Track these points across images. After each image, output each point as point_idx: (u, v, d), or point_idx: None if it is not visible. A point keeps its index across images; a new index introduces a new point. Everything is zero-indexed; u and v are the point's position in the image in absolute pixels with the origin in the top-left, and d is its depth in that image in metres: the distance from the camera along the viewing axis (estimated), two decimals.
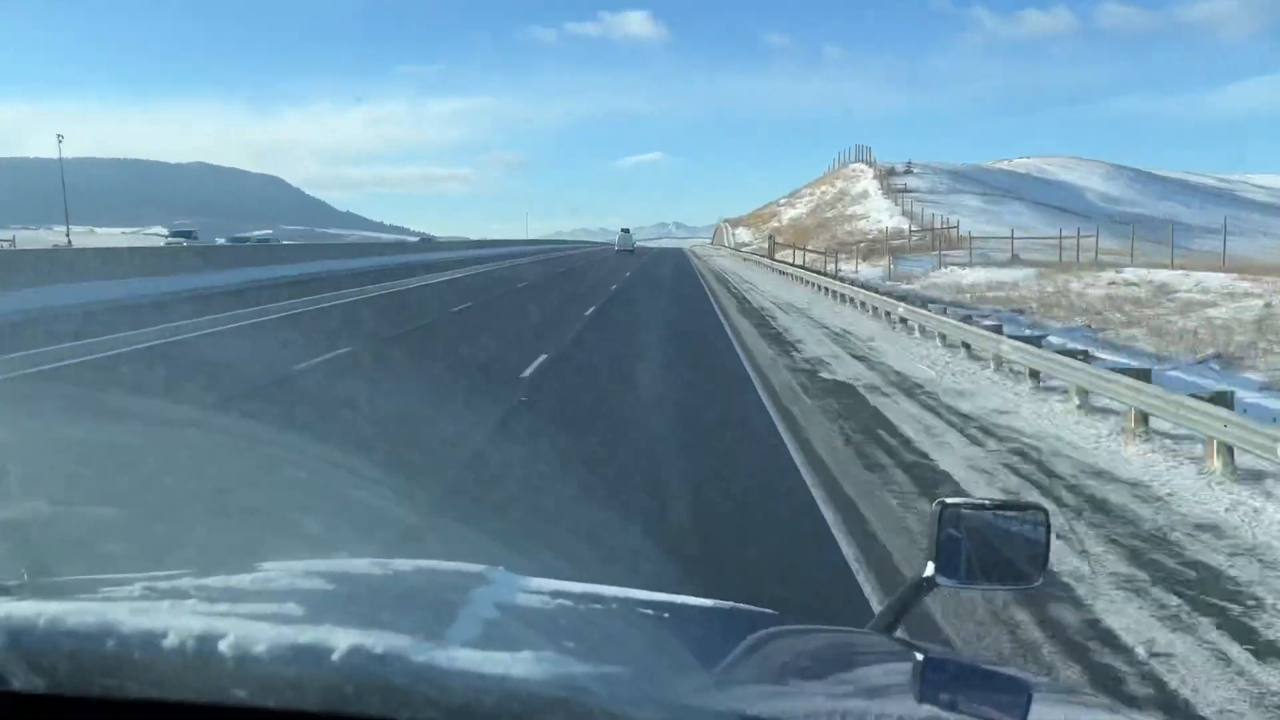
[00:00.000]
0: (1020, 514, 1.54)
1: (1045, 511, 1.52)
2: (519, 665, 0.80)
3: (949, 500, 1.49)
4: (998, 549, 1.48)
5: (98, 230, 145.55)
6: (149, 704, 0.79)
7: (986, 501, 1.66)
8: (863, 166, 73.21)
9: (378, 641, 0.80)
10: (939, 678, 1.20)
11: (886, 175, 66.16)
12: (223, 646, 0.79)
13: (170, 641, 0.80)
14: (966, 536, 1.47)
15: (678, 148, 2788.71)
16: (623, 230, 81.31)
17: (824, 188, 75.32)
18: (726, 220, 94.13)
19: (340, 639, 0.80)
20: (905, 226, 44.77)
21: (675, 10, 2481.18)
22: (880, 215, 52.74)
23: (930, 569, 1.46)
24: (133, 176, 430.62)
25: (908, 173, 67.01)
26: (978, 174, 71.47)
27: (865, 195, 62.23)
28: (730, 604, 1.35)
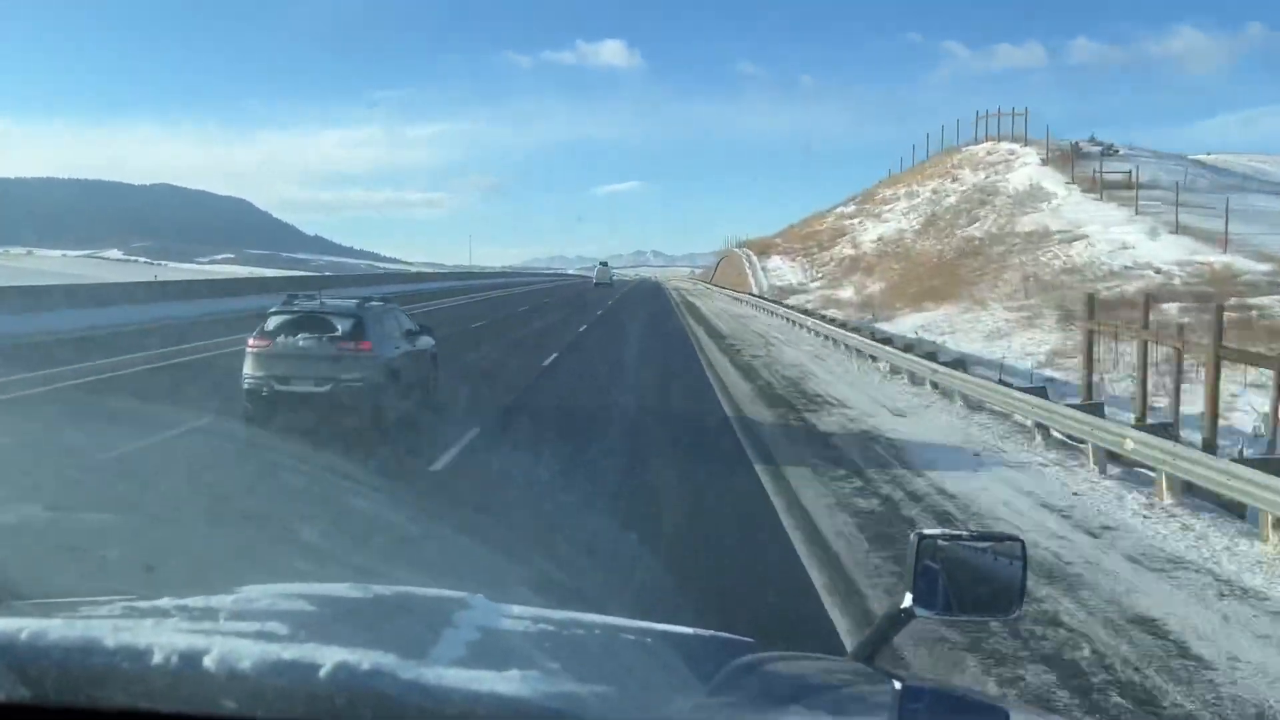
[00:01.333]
0: (996, 545, 1.56)
1: (1021, 543, 1.56)
2: (506, 683, 0.81)
3: (926, 532, 1.52)
4: (975, 580, 1.49)
5: (38, 252, 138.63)
6: (136, 714, 0.80)
7: (963, 533, 1.65)
8: (1015, 147, 42.83)
9: (364, 658, 0.81)
10: (916, 706, 1.22)
11: (1070, 158, 37.62)
12: (208, 661, 0.80)
13: (156, 656, 0.81)
14: (943, 568, 1.48)
15: (654, 176, 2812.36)
16: (600, 264, 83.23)
17: (935, 182, 45.26)
18: (744, 245, 62.67)
19: (326, 655, 0.81)
20: (1193, 258, 22.75)
21: (649, 40, 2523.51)
22: (1109, 232, 27.04)
23: (908, 600, 1.49)
24: (93, 197, 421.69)
25: (1108, 154, 39.32)
26: (1214, 168, 41.35)
27: (1044, 195, 34.21)
28: (709, 632, 1.42)
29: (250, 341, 9.04)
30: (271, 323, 9.13)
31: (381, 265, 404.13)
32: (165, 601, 1.13)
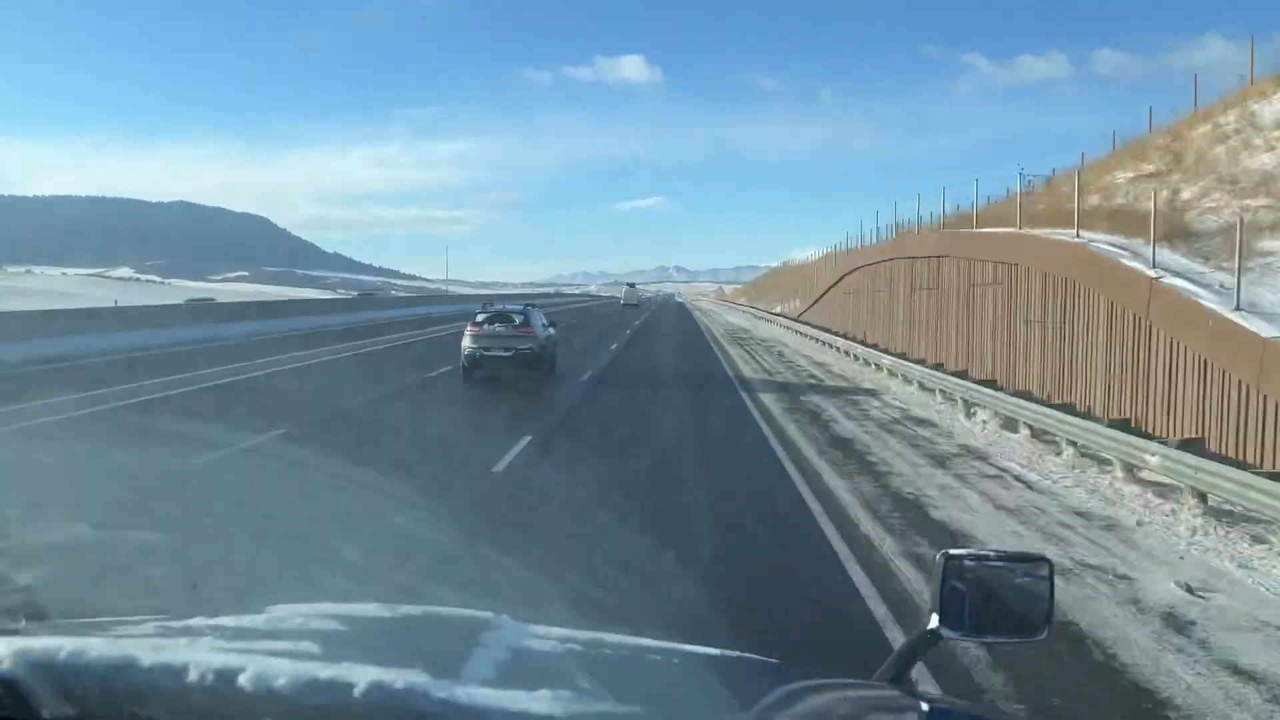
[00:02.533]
0: (1023, 565, 1.55)
1: (1049, 563, 1.54)
2: (539, 703, 0.83)
3: (953, 552, 1.50)
4: (1001, 600, 1.49)
5: (39, 270, 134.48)
6: None
7: (990, 553, 1.59)
8: None
9: (397, 677, 0.83)
10: None
11: None
12: (244, 680, 0.83)
13: (193, 675, 0.84)
14: (970, 588, 1.48)
15: (677, 191, 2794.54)
16: (628, 286, 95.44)
17: None
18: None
19: (360, 675, 0.83)
20: None
21: (669, 55, 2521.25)
22: None
23: (934, 621, 1.48)
24: (109, 214, 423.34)
25: None
26: None
27: None
28: (736, 654, 1.42)
29: (468, 327, 16.41)
30: (479, 317, 16.59)
31: (398, 282, 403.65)
32: (199, 621, 1.16)
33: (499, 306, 16.86)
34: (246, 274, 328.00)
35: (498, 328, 15.92)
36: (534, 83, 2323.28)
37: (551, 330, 17.34)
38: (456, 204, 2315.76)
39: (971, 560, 1.50)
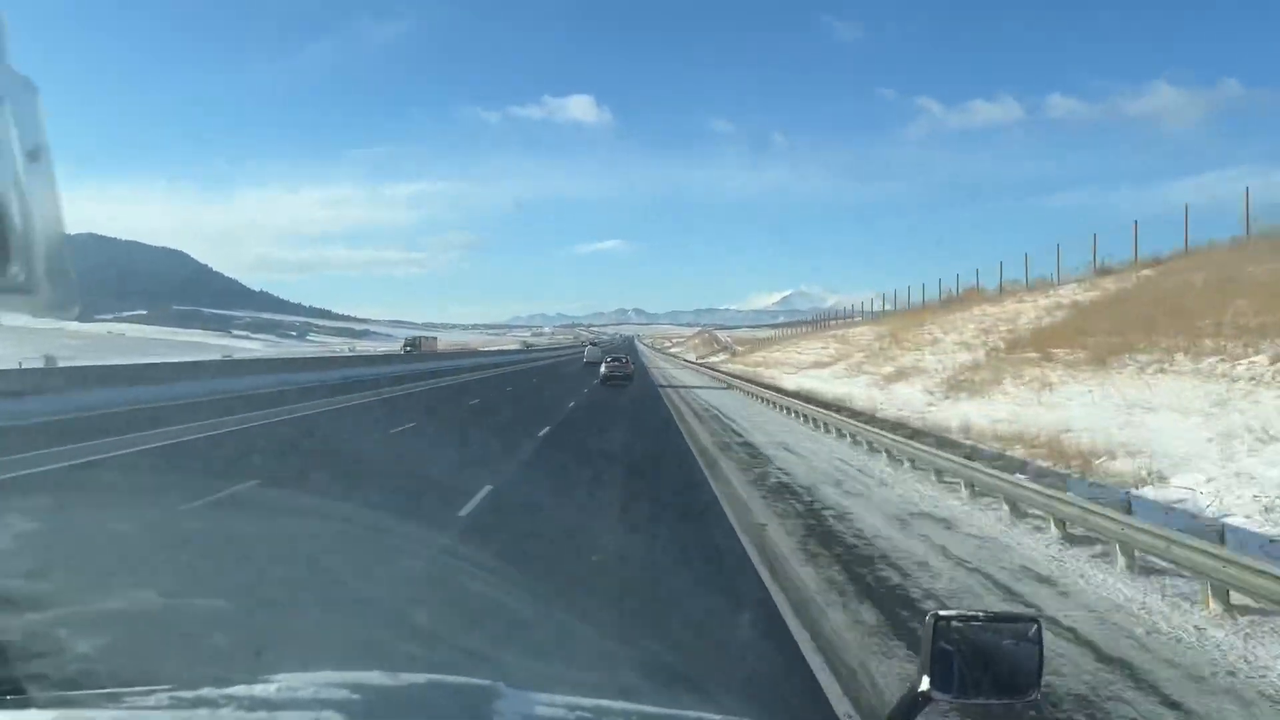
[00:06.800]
0: (1012, 625, 1.64)
1: (1038, 623, 1.63)
2: None
3: (942, 614, 1.59)
4: (991, 661, 1.57)
5: None
6: None
7: (979, 614, 1.68)
8: None
9: None
10: None
11: None
12: None
13: None
14: (959, 649, 1.56)
15: (635, 234, 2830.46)
16: (591, 344, 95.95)
17: None
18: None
19: None
20: None
21: (616, 95, 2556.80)
22: None
23: (925, 683, 1.55)
24: None
25: None
26: None
27: None
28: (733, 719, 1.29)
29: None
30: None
31: (320, 322, 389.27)
32: (210, 691, 1.21)
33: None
34: (145, 313, 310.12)
35: (609, 357, 42.97)
36: (482, 123, 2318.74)
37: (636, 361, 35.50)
38: (412, 245, 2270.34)
39: (960, 621, 1.59)
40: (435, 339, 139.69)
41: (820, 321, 72.15)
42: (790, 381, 39.41)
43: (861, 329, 46.37)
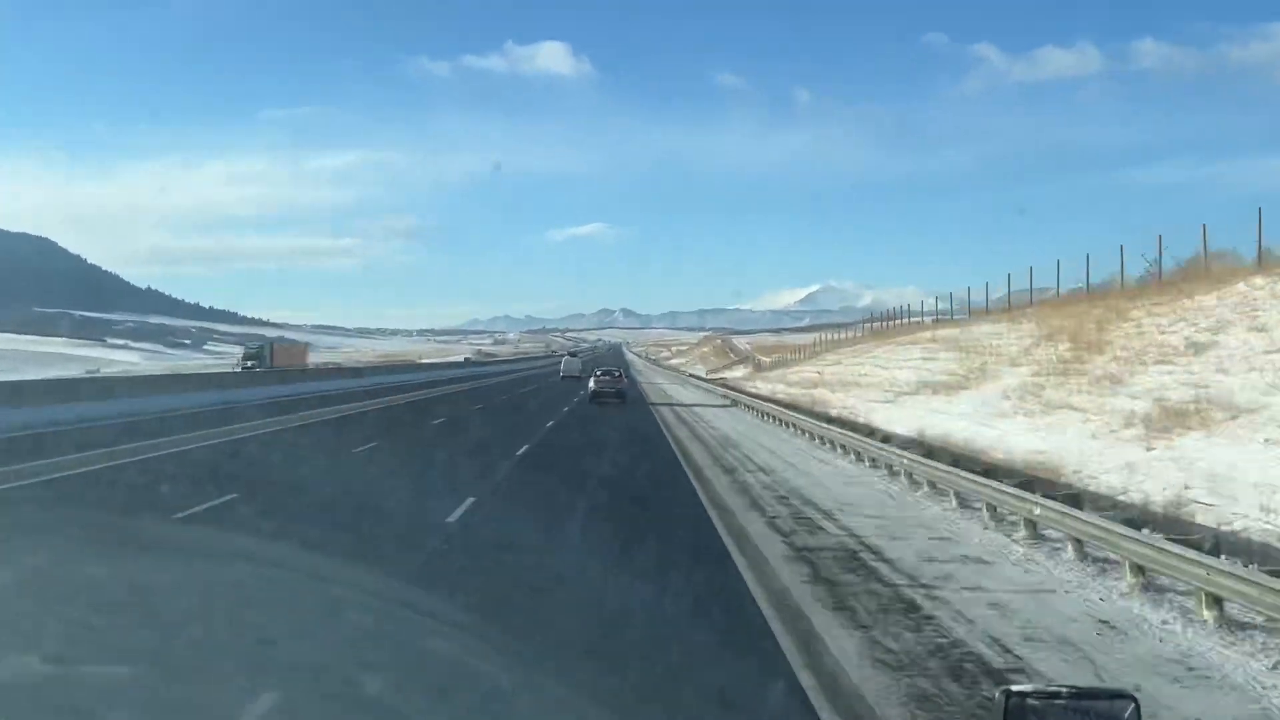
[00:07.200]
0: (1104, 704, 1.61)
1: (1135, 702, 1.59)
2: None
3: (1015, 689, 1.61)
4: None
5: None
6: None
7: (1061, 689, 1.66)
8: None
9: None
10: None
11: None
12: None
13: None
14: None
15: (621, 217, 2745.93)
16: (568, 355, 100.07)
17: None
18: None
19: None
20: None
21: (598, 44, 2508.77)
22: None
23: None
24: None
25: None
26: None
27: None
28: None
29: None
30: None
31: (221, 328, 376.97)
32: None
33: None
34: None
35: (601, 370, 59.52)
36: (431, 76, 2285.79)
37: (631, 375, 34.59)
38: (342, 231, 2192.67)
39: (1038, 699, 1.58)
40: (305, 346, 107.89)
41: (877, 321, 60.56)
42: (887, 417, 28.69)
43: (985, 328, 35.31)
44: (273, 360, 75.66)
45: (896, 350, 42.81)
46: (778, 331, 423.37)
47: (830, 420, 29.18)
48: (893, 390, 34.39)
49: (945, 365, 33.18)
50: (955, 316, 46.14)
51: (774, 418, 35.14)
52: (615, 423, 33.62)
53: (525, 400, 46.51)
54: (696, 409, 44.12)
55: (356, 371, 74.79)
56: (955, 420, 25.40)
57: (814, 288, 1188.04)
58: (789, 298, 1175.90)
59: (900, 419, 28.53)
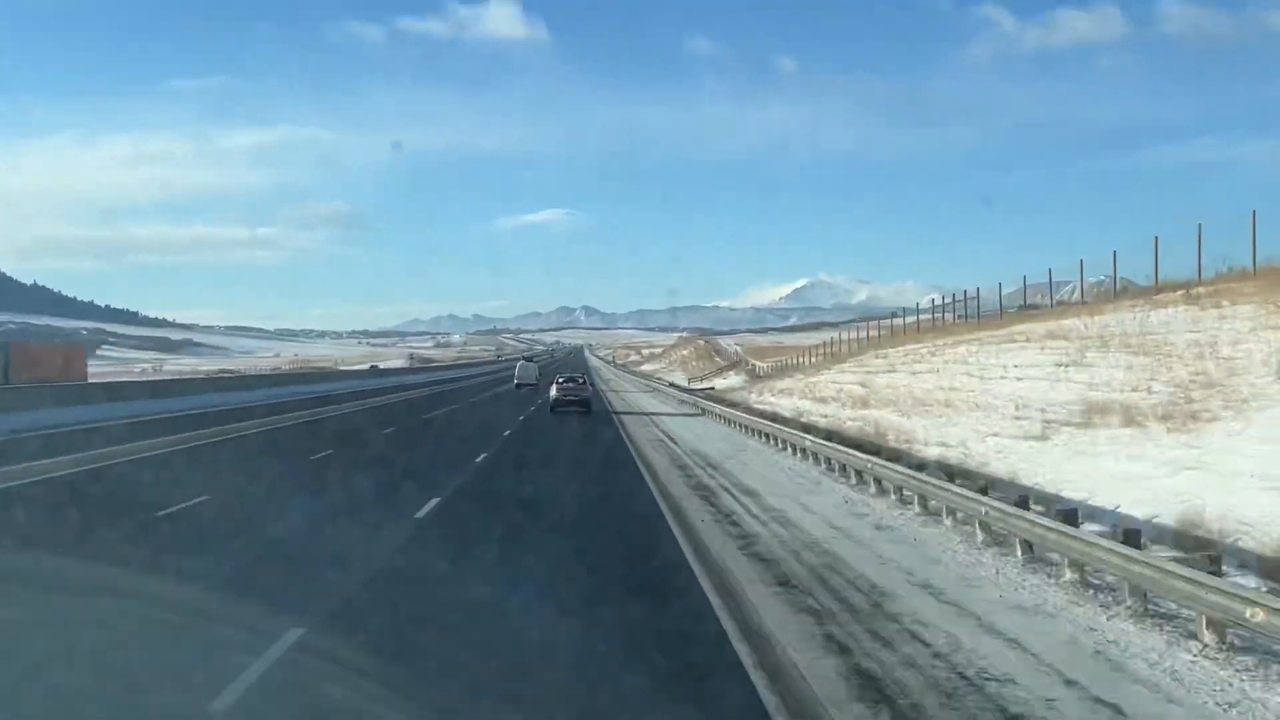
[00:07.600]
0: None
1: None
2: None
3: None
4: None
5: None
6: None
7: None
8: None
9: None
10: None
11: None
12: None
13: None
14: None
15: (582, 202, 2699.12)
16: (524, 359, 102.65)
17: None
18: None
19: None
20: None
21: (556, 4, 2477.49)
22: None
23: None
24: None
25: None
26: None
27: None
28: None
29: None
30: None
31: (121, 329, 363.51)
32: None
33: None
34: None
35: (564, 379, 45.90)
36: (362, 40, 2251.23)
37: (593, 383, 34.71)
38: (260, 219, 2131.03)
39: None
40: (80, 348, 76.72)
41: (905, 319, 49.56)
42: (1058, 472, 17.74)
43: (1161, 315, 23.79)
44: (8, 370, 49.91)
45: (986, 350, 31.57)
46: (763, 331, 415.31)
47: (985, 491, 16.09)
48: (1030, 417, 23.23)
49: (1115, 375, 22.17)
50: (982, 315, 39.72)
51: (853, 472, 22.00)
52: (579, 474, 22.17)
53: (449, 425, 37.39)
54: (712, 454, 30.32)
55: (227, 384, 62.57)
56: (1238, 482, 14.48)
57: (801, 283, 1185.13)
58: (773, 294, 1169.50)
59: (1097, 479, 17.52)
